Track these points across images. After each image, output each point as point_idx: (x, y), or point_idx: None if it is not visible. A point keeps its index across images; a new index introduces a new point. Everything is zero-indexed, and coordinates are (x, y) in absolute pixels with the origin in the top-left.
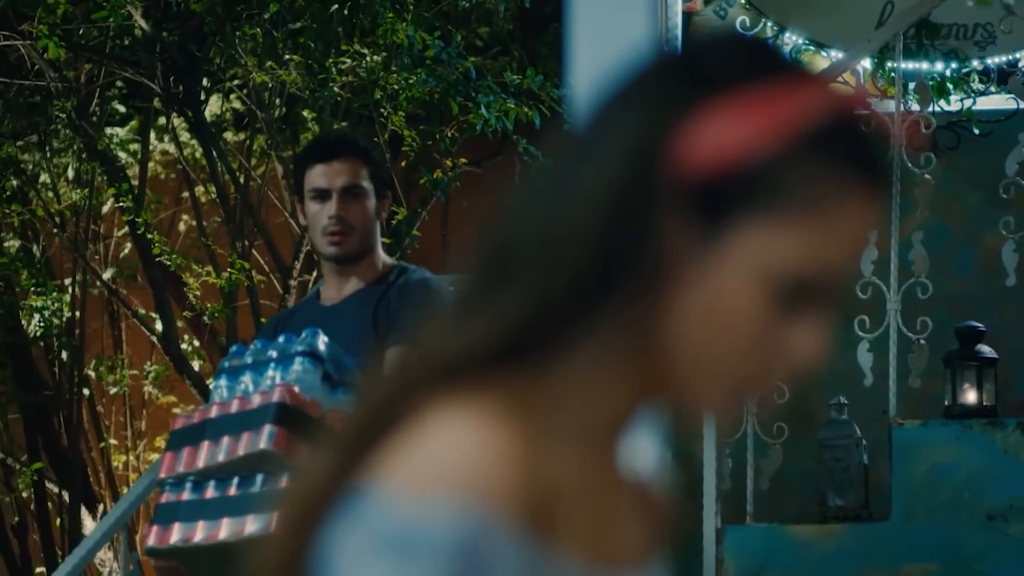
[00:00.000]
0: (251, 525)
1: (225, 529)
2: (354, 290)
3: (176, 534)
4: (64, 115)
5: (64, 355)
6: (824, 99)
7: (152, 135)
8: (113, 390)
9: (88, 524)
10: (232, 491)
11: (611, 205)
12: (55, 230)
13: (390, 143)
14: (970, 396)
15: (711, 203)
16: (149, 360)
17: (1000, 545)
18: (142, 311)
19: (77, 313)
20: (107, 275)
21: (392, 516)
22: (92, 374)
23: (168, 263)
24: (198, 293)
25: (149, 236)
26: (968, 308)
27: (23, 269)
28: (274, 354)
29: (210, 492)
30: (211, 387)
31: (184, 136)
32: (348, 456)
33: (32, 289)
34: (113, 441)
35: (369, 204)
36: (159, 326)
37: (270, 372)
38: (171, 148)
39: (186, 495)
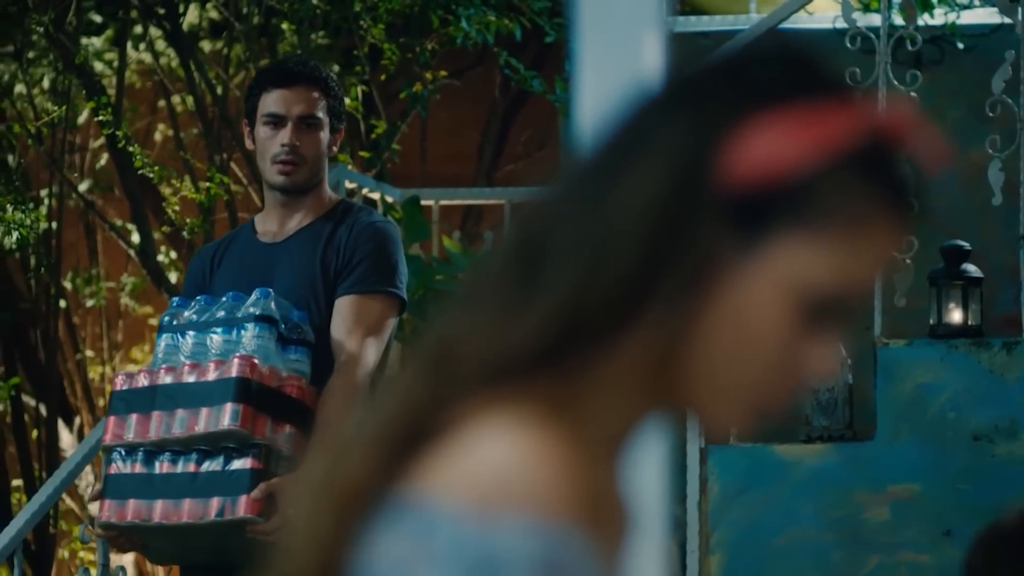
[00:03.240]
0: (215, 508)
1: (188, 511)
2: (298, 225)
3: (132, 511)
4: (41, 28)
5: (40, 268)
6: (871, 121)
7: (128, 44)
8: (90, 302)
9: (65, 437)
10: (192, 468)
11: (655, 212)
12: (30, 141)
13: (369, 56)
14: (955, 315)
15: (751, 215)
16: (125, 272)
17: (985, 466)
18: (119, 223)
19: (53, 225)
20: (83, 187)
21: (468, 538)
22: (68, 286)
23: (151, 175)
24: (177, 208)
25: (130, 149)
26: (953, 226)
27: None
28: (222, 314)
29: (166, 467)
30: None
31: (160, 45)
32: (387, 458)
33: (9, 203)
34: (89, 353)
35: (323, 136)
36: (135, 238)
37: (222, 336)
38: (147, 58)
39: (139, 467)
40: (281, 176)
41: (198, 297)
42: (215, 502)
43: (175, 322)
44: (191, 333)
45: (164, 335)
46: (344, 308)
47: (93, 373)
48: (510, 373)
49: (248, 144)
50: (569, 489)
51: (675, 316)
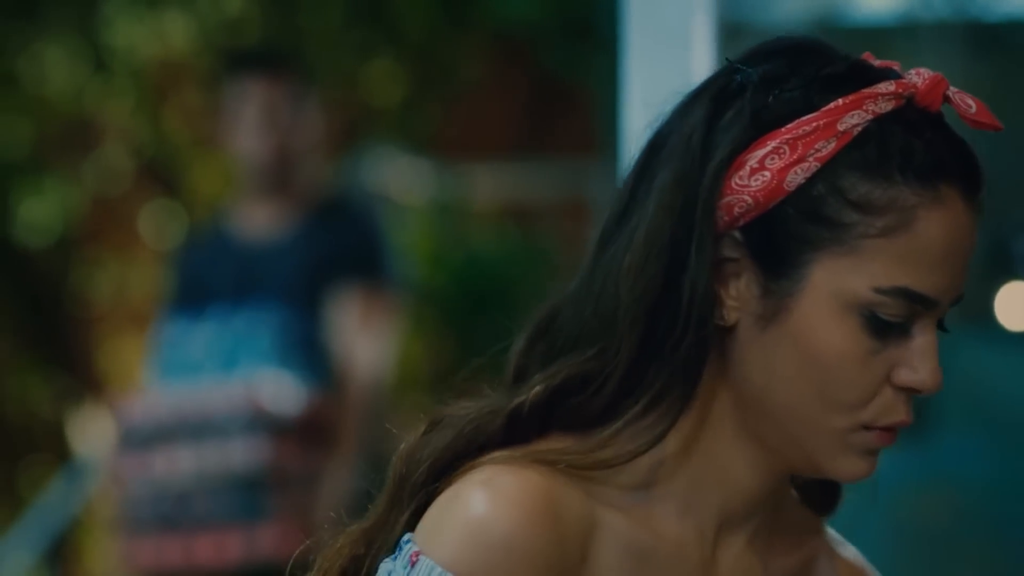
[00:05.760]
0: (237, 546)
1: (208, 549)
2: (284, 219)
3: (167, 551)
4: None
5: (63, 252)
6: (889, 108)
7: (149, 25)
8: (112, 287)
9: (91, 419)
10: (220, 505)
11: (661, 259)
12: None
13: (404, 38)
14: (1017, 307)
15: (776, 242)
16: (148, 259)
17: None
18: (143, 209)
19: (76, 210)
20: (105, 172)
21: None
22: (91, 271)
23: (170, 164)
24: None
25: (152, 137)
26: (1014, 210)
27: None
28: (219, 340)
29: (194, 504)
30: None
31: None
32: (395, 505)
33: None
34: (115, 343)
35: (307, 123)
36: (159, 224)
37: (224, 366)
38: (167, 36)
39: (163, 506)
40: (266, 165)
41: (193, 317)
42: (236, 538)
43: (173, 355)
44: (197, 364)
45: (164, 367)
46: (345, 305)
47: (118, 359)
48: (523, 431)
49: (225, 135)
50: (519, 549)
51: (713, 361)
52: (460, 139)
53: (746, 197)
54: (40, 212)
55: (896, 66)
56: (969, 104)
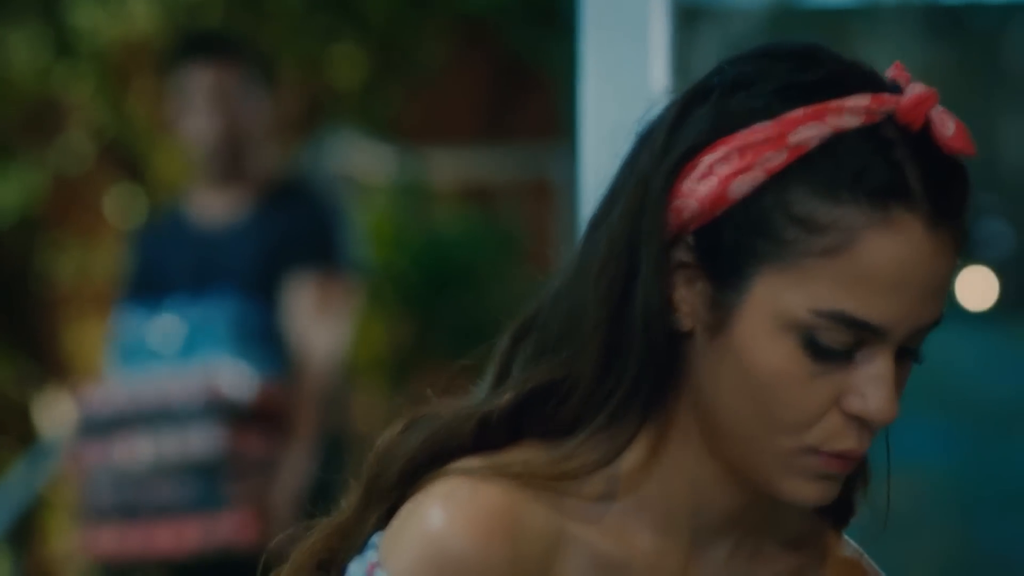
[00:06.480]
0: (197, 533)
1: (168, 537)
2: (239, 206)
3: (127, 538)
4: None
5: (27, 234)
6: (855, 123)
7: (113, 8)
8: (76, 270)
9: (54, 401)
10: (178, 493)
11: (620, 262)
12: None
13: (366, 21)
14: (978, 289)
15: (721, 252)
16: (112, 241)
17: (1006, 443)
18: (106, 191)
19: (39, 193)
20: (69, 155)
21: None
22: (54, 254)
23: (133, 146)
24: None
25: (115, 120)
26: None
27: None
28: (177, 329)
29: (152, 491)
30: (110, 363)
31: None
32: (367, 507)
33: None
34: (79, 322)
35: (257, 108)
36: (122, 207)
37: (182, 355)
38: (131, 19)
39: (123, 494)
40: (217, 153)
41: (151, 306)
42: (195, 526)
43: (131, 342)
44: (155, 352)
45: (122, 356)
46: (301, 291)
47: (81, 339)
48: (494, 438)
49: (173, 121)
50: (472, 567)
51: (666, 375)
52: (422, 122)
53: (692, 202)
54: (3, 194)
55: (907, 80)
56: (948, 125)
